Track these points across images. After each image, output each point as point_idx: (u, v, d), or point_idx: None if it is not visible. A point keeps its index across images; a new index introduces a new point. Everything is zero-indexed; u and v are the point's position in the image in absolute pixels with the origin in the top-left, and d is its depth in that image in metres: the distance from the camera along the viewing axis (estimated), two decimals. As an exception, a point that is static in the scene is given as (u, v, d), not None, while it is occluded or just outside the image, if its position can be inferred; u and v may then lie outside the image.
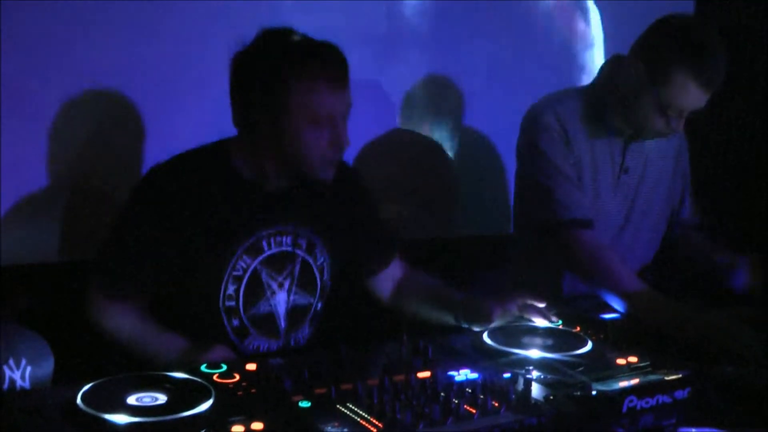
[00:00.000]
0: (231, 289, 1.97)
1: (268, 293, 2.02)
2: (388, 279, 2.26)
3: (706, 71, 2.18)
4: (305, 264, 2.06)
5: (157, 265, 1.92)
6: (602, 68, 2.47)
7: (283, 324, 2.06)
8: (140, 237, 1.92)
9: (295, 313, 2.07)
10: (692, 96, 2.21)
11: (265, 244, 1.99)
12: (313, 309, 2.11)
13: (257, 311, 2.01)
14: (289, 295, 2.05)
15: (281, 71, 1.85)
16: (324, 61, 1.87)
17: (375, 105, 2.92)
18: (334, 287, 2.17)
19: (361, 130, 2.86)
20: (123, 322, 1.94)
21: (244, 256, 1.97)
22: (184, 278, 1.94)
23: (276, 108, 1.87)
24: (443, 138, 3.07)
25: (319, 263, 2.09)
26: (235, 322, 2.00)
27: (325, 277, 2.12)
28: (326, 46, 1.90)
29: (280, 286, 2.03)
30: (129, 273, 1.93)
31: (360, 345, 1.80)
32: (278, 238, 2.01)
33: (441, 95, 3.05)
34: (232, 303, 1.98)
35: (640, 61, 2.26)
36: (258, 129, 1.91)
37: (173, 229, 1.91)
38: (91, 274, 1.97)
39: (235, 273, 1.97)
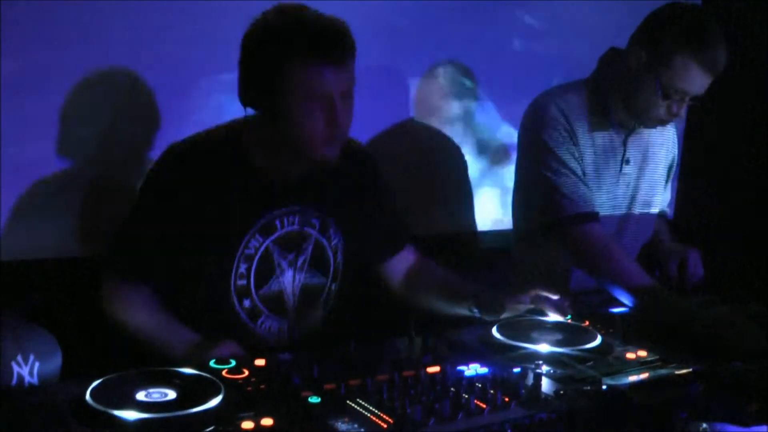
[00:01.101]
0: (243, 268, 1.98)
1: (278, 272, 2.02)
2: (399, 266, 2.25)
3: (707, 51, 2.20)
4: (318, 244, 2.07)
5: (172, 246, 1.92)
6: (601, 60, 2.47)
7: (291, 302, 2.06)
8: (155, 217, 1.93)
9: (306, 292, 2.07)
10: (694, 78, 2.23)
11: (278, 223, 2.00)
12: (326, 290, 2.11)
13: (268, 290, 2.02)
14: (297, 273, 2.05)
15: (276, 48, 1.83)
16: (319, 38, 1.83)
17: (388, 94, 2.92)
18: (348, 270, 2.16)
19: (374, 120, 2.88)
20: (136, 310, 1.94)
21: (257, 235, 1.97)
22: (197, 259, 1.94)
23: (272, 86, 1.86)
24: (455, 131, 3.06)
25: (333, 244, 2.09)
26: (247, 303, 2.00)
27: (339, 258, 2.12)
28: (325, 23, 1.87)
29: (291, 264, 2.04)
30: (145, 253, 1.93)
31: (369, 340, 1.80)
32: (291, 218, 2.01)
33: (455, 86, 3.04)
34: (243, 282, 1.99)
35: (640, 48, 2.29)
36: (258, 108, 1.92)
37: (188, 210, 1.91)
38: (106, 258, 1.97)
39: (247, 251, 1.97)
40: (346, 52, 1.87)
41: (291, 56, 1.82)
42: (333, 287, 2.14)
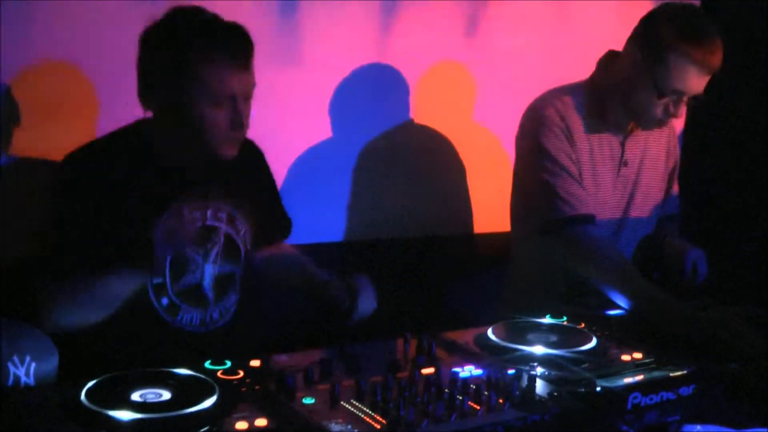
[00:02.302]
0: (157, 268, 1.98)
1: (193, 266, 2.04)
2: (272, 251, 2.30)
3: (702, 50, 2.21)
4: (228, 236, 2.10)
5: (85, 249, 1.89)
6: (599, 63, 2.48)
7: (211, 294, 2.08)
8: (66, 227, 1.91)
9: (221, 282, 2.10)
10: (690, 77, 2.23)
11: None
12: (238, 276, 2.16)
13: (185, 285, 2.03)
14: (211, 266, 2.08)
15: (182, 50, 1.86)
16: (224, 42, 1.87)
17: (387, 96, 2.92)
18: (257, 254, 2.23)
19: (373, 122, 2.88)
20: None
21: None
22: (111, 262, 1.90)
23: (176, 87, 1.88)
24: (453, 132, 3.06)
25: (242, 234, 2.14)
26: (164, 301, 2.01)
27: (249, 246, 2.17)
28: (228, 27, 1.92)
29: (205, 258, 2.06)
30: (60, 257, 1.90)
31: (364, 342, 1.80)
32: (198, 214, 2.04)
33: (454, 88, 3.05)
34: (160, 280, 1.99)
35: (636, 48, 2.29)
36: (160, 107, 1.94)
37: (95, 215, 1.90)
38: (27, 261, 1.97)
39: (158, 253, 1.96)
40: (249, 54, 1.92)
41: (197, 58, 1.85)
42: (243, 273, 2.18)
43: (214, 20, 1.92)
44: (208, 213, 2.06)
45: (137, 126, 2.02)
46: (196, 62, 1.86)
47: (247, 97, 1.94)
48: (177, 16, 1.91)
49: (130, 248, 1.91)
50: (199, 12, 1.93)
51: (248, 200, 2.14)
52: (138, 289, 1.94)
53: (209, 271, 2.08)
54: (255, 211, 2.17)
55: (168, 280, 2.01)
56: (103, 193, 1.90)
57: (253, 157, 2.22)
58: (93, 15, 2.34)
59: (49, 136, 2.31)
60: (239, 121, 1.92)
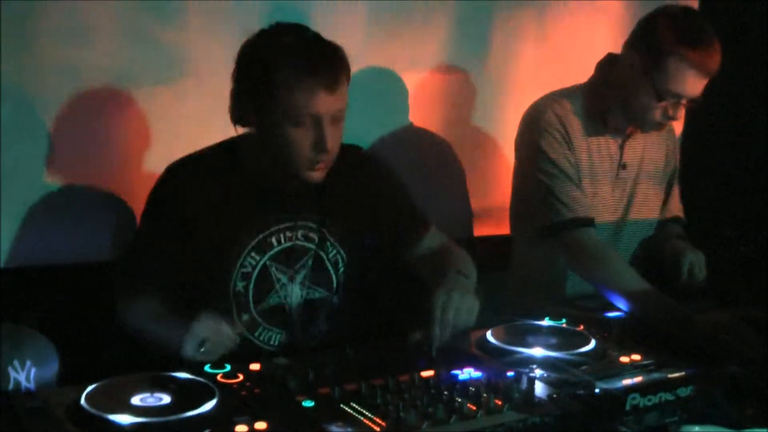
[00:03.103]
0: (240, 286, 1.99)
1: (278, 286, 2.02)
2: (423, 253, 2.17)
3: (700, 52, 2.21)
4: (318, 258, 2.06)
5: (173, 264, 1.94)
6: (598, 66, 2.48)
7: (292, 316, 2.06)
8: (157, 236, 1.95)
9: (308, 306, 2.07)
10: (687, 79, 2.23)
11: (274, 240, 2.01)
12: (329, 304, 2.11)
13: (267, 304, 2.02)
14: (298, 288, 2.05)
15: (266, 69, 1.84)
16: (310, 62, 1.83)
17: (387, 99, 2.93)
18: (352, 283, 2.14)
19: (372, 126, 2.89)
20: (143, 313, 1.94)
21: (253, 253, 1.98)
22: (196, 276, 1.96)
23: (260, 106, 1.87)
24: (454, 136, 3.07)
25: (331, 256, 2.09)
26: (245, 317, 2.01)
27: (341, 270, 2.11)
28: (319, 46, 1.87)
29: (291, 279, 2.04)
30: (149, 273, 1.95)
31: (365, 344, 1.81)
32: (287, 234, 2.02)
33: (454, 92, 3.05)
34: (242, 299, 2.00)
35: (634, 51, 2.29)
36: (247, 126, 1.93)
37: (184, 228, 1.93)
38: (115, 277, 2.00)
39: (243, 270, 1.98)
40: (338, 76, 1.86)
41: (282, 78, 1.82)
42: (335, 301, 2.12)
43: (309, 39, 1.88)
44: (299, 233, 2.03)
45: (229, 143, 2.01)
46: (279, 83, 1.82)
47: (337, 119, 1.89)
48: (264, 35, 1.89)
49: (213, 266, 1.93)
50: (295, 28, 1.90)
51: (347, 220, 2.09)
52: (219, 305, 1.94)
53: (296, 293, 2.05)
54: (359, 230, 2.11)
55: (251, 299, 2.00)
56: (192, 210, 1.93)
57: (356, 170, 2.11)
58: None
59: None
60: (323, 143, 1.87)
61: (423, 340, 1.79)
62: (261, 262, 1.99)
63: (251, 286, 2.00)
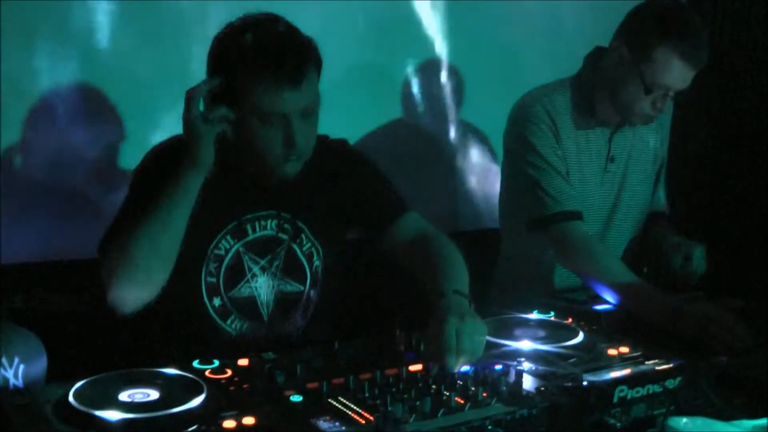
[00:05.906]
0: (212, 267, 1.98)
1: (249, 276, 2.02)
2: (399, 237, 2.09)
3: (687, 44, 2.22)
4: (291, 250, 2.05)
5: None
6: (586, 59, 2.48)
7: (266, 309, 2.05)
8: (143, 202, 1.89)
9: (281, 299, 2.06)
10: (676, 72, 2.24)
11: (249, 228, 2.00)
12: (304, 298, 2.09)
13: (238, 293, 2.01)
14: (271, 279, 2.04)
15: (231, 67, 1.82)
16: (273, 59, 1.80)
17: (378, 94, 2.93)
18: (329, 277, 2.12)
19: (363, 120, 2.89)
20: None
21: (228, 237, 1.98)
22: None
23: (229, 104, 1.85)
24: (443, 130, 3.07)
25: (305, 249, 2.07)
26: (217, 302, 2.00)
27: (315, 264, 2.09)
28: (285, 41, 1.84)
29: (263, 270, 2.03)
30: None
31: (352, 339, 1.81)
32: (262, 223, 2.01)
33: (443, 86, 3.05)
34: (213, 279, 1.98)
35: (622, 43, 2.30)
36: (222, 122, 1.89)
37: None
38: (98, 249, 1.94)
39: (216, 252, 1.97)
40: (304, 71, 1.84)
41: (245, 76, 1.81)
42: (312, 295, 2.10)
43: (269, 34, 1.84)
44: (273, 223, 2.02)
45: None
46: (243, 82, 1.81)
47: (306, 113, 1.87)
48: (231, 30, 1.86)
49: (188, 245, 1.87)
50: (257, 24, 1.85)
51: (324, 211, 2.07)
52: (192, 284, 1.94)
53: (268, 285, 2.04)
54: (333, 224, 2.09)
55: (221, 282, 1.99)
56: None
57: (332, 160, 2.08)
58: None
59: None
60: (292, 140, 1.85)
61: (436, 367, 1.65)
62: (234, 247, 1.99)
63: (222, 269, 1.99)
